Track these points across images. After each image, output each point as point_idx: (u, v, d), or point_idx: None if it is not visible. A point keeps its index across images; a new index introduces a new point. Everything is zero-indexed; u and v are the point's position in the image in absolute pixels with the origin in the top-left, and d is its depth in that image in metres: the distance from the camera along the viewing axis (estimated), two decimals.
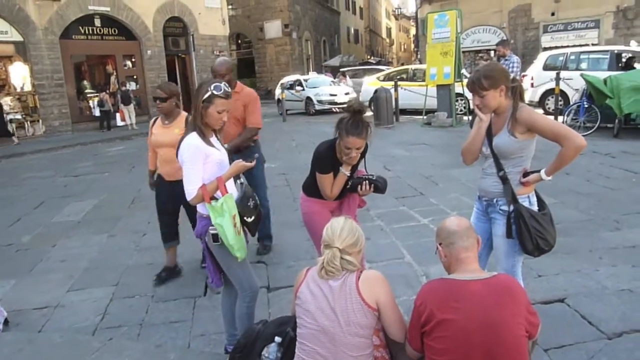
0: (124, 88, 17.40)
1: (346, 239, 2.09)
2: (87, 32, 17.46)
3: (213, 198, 2.53)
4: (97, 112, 17.12)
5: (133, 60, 19.29)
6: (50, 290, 4.12)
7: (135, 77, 19.28)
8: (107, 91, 17.78)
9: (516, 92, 2.51)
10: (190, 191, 2.50)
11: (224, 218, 2.49)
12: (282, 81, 20.71)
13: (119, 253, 4.96)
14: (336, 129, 2.79)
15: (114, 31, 18.31)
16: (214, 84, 2.52)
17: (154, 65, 19.47)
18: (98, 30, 17.81)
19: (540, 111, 12.54)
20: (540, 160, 2.67)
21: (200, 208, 2.63)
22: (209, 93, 2.50)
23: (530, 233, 2.48)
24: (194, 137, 2.52)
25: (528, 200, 2.56)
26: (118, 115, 17.42)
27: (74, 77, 17.51)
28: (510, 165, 2.54)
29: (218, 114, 2.53)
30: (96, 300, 3.90)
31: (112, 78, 18.93)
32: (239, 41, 34.87)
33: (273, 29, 32.00)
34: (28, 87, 16.18)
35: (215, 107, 2.51)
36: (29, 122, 15.98)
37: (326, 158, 2.86)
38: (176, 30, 20.67)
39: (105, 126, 17.00)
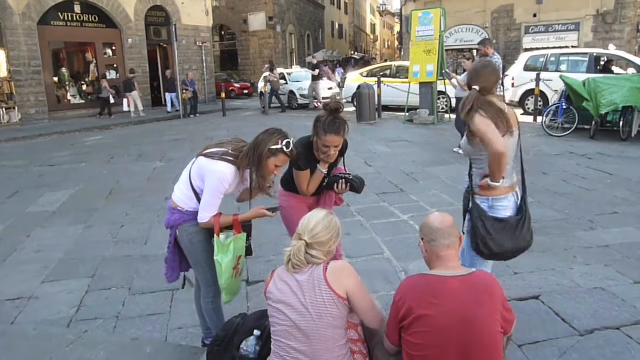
0: (130, 75, 17.43)
1: (317, 235, 2.08)
2: (66, 18, 17.04)
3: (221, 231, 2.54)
4: (77, 100, 17.09)
5: (113, 48, 18.89)
6: (24, 282, 4.04)
7: (115, 65, 18.90)
8: (105, 78, 17.69)
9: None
10: (205, 217, 2.49)
11: (227, 258, 2.51)
12: (265, 74, 20.58)
13: (95, 244, 4.88)
14: (314, 127, 2.80)
15: (94, 18, 17.92)
16: (287, 141, 2.49)
17: (134, 54, 19.14)
18: (78, 17, 17.39)
19: (520, 111, 12.75)
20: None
21: (180, 202, 2.61)
22: (278, 146, 2.46)
23: (475, 233, 2.55)
24: (232, 169, 2.49)
25: (487, 203, 2.60)
26: (125, 101, 17.61)
27: (52, 65, 17.12)
28: (475, 165, 2.63)
29: (275, 167, 2.52)
30: (71, 292, 3.84)
31: (92, 66, 18.55)
32: (223, 33, 34.47)
33: (257, 21, 31.73)
34: (4, 74, 15.73)
35: (275, 160, 2.49)
36: (4, 110, 15.55)
37: (304, 155, 2.85)
38: (158, 19, 20.32)
39: (105, 113, 17.15)
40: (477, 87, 2.55)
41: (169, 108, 18.38)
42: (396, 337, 1.99)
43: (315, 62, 18.25)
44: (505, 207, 2.59)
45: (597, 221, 4.90)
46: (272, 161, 2.49)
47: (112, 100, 17.21)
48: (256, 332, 2.32)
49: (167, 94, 18.58)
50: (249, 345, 2.31)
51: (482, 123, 2.48)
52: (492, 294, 1.90)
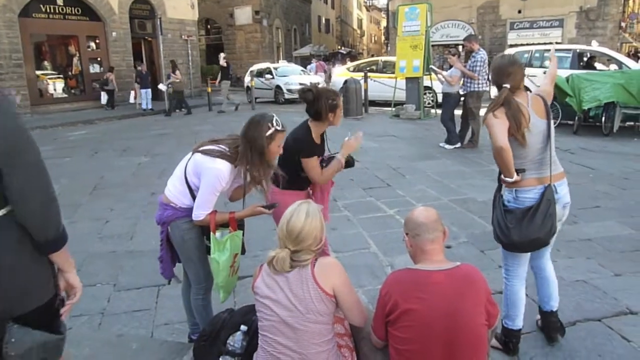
0: (138, 69, 17.20)
1: (302, 242, 2.04)
2: (48, 10, 16.72)
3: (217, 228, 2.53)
4: (59, 94, 16.86)
5: (97, 41, 18.60)
6: None
7: (99, 59, 18.64)
8: (112, 71, 17.57)
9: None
10: (200, 215, 2.47)
11: (224, 255, 2.49)
12: (251, 69, 20.48)
13: (79, 240, 4.81)
14: (324, 109, 2.89)
15: (77, 11, 17.62)
16: (274, 119, 2.47)
17: (119, 47, 18.88)
18: (60, 9, 17.07)
19: None
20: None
21: (173, 198, 2.57)
22: (271, 130, 2.45)
23: (492, 219, 2.63)
24: (229, 167, 2.47)
25: (512, 194, 2.59)
26: (132, 93, 17.61)
27: (34, 58, 16.81)
28: None
29: (277, 147, 2.52)
30: None
31: (75, 60, 18.27)
32: (208, 26, 34.20)
33: (243, 15, 31.52)
34: None
35: (275, 143, 2.49)
36: None
37: (308, 142, 2.92)
38: (143, 12, 20.04)
39: (109, 105, 17.24)
40: (507, 86, 2.52)
41: (144, 105, 16.81)
42: (382, 331, 2.00)
43: (225, 63, 16.25)
44: (531, 199, 2.54)
45: (579, 215, 4.97)
46: (273, 145, 2.50)
47: (116, 93, 17.35)
48: (243, 327, 2.32)
49: (142, 90, 16.83)
50: (235, 340, 2.30)
51: (490, 119, 2.49)
52: (477, 287, 1.92)
